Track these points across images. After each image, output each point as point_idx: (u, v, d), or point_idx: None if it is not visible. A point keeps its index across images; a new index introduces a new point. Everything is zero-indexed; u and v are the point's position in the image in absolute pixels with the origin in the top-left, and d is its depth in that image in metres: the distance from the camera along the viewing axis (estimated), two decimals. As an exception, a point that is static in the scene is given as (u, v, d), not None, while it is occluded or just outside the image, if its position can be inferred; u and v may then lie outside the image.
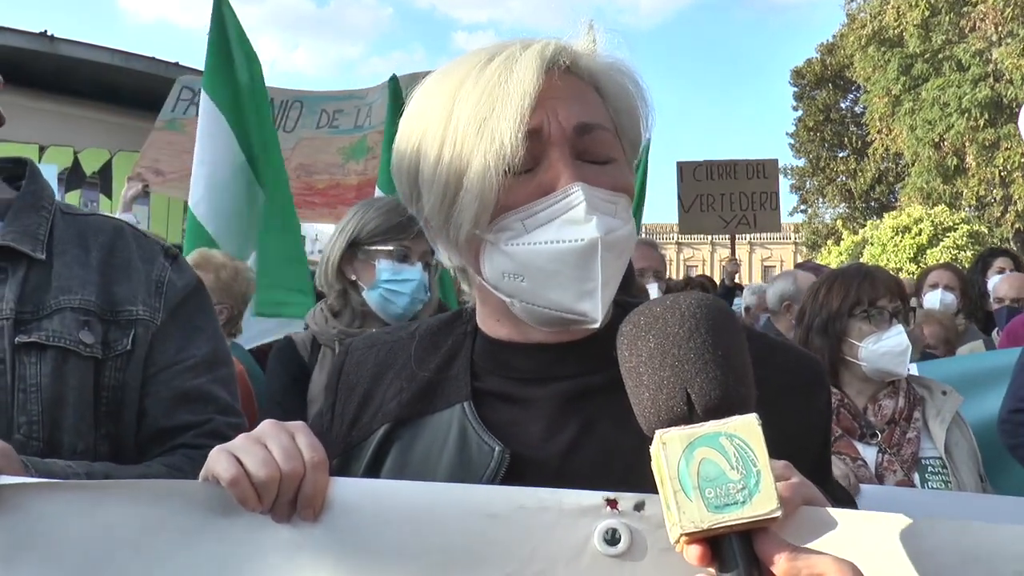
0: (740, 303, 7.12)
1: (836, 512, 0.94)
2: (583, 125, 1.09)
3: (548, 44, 1.10)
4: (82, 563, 0.97)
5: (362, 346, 1.32)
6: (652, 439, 0.83)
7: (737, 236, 9.17)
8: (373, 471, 1.17)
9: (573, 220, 1.05)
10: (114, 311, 1.52)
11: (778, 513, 0.78)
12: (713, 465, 0.79)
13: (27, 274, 1.48)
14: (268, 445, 0.97)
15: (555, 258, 1.05)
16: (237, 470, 0.94)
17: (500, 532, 0.94)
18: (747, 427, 0.80)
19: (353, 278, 2.72)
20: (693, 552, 0.81)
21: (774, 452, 0.95)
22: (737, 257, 8.84)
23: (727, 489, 0.78)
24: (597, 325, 1.07)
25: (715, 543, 0.80)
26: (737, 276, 8.29)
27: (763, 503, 0.78)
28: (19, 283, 1.47)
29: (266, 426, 1.00)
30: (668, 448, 0.80)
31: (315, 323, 2.77)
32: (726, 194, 8.59)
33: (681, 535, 0.79)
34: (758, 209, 8.66)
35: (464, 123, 1.06)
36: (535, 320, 1.12)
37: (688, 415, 0.81)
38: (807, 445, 1.17)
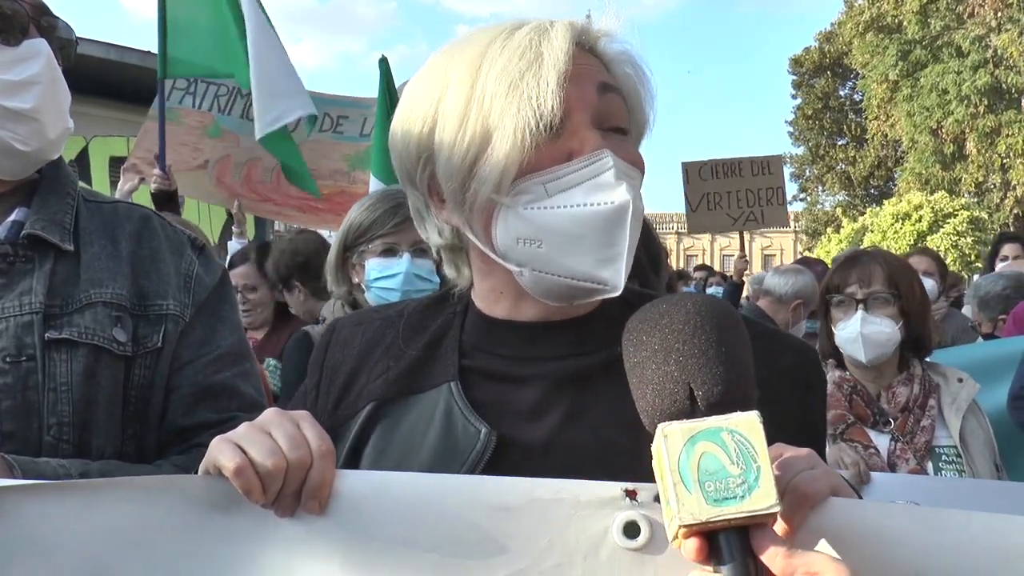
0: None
1: (865, 503, 0.93)
2: (604, 84, 1.09)
3: (575, 22, 1.10)
4: (81, 567, 0.93)
5: (349, 324, 1.29)
6: (654, 432, 0.83)
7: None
8: (356, 451, 1.15)
9: (602, 185, 1.03)
10: (144, 305, 1.44)
11: (776, 509, 0.78)
12: (713, 459, 0.79)
13: (55, 265, 1.40)
14: (273, 434, 0.93)
15: (581, 222, 1.03)
16: (242, 459, 0.90)
17: (514, 525, 0.91)
18: (748, 423, 0.80)
19: (356, 280, 2.72)
20: (691, 546, 0.80)
21: (778, 440, 0.91)
22: (745, 253, 8.81)
23: (727, 483, 0.78)
24: (617, 294, 1.05)
25: (712, 539, 0.80)
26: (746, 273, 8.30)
27: (762, 498, 0.78)
28: (47, 275, 1.39)
29: (270, 414, 0.96)
30: (670, 441, 0.80)
31: (335, 318, 2.74)
32: (732, 192, 8.57)
33: (680, 527, 0.79)
34: (765, 205, 8.66)
35: (494, 83, 1.04)
36: (543, 291, 1.09)
37: (691, 410, 0.82)
38: (809, 432, 1.13)
